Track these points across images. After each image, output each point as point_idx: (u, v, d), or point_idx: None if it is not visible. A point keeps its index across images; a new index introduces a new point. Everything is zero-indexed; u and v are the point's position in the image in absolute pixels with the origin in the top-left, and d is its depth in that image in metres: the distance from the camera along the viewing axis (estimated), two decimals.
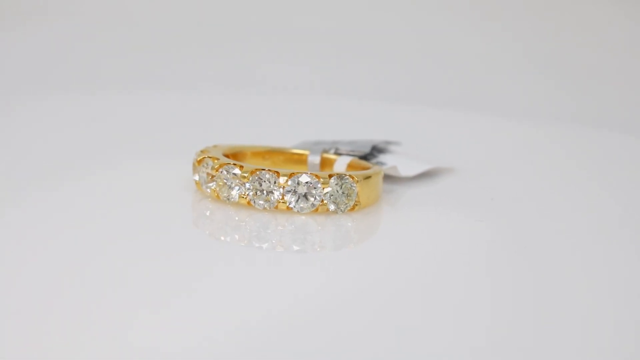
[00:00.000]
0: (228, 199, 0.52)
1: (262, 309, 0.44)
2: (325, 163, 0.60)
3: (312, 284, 0.46)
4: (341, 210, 0.52)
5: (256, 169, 0.52)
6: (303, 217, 0.52)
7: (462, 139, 0.72)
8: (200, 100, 0.78)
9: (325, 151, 0.60)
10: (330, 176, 0.52)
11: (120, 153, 0.63)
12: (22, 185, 0.57)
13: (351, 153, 0.61)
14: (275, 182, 0.51)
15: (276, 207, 0.52)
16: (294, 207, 0.52)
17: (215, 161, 0.53)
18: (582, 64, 0.87)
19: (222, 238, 0.51)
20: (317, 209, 0.52)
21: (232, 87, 0.82)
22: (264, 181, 0.52)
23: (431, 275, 0.47)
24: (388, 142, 0.65)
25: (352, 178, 0.52)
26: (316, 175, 0.52)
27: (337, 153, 0.61)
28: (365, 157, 0.61)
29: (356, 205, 0.53)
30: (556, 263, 0.49)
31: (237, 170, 0.52)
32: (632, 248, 0.52)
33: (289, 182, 0.51)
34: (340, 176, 0.52)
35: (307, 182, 0.51)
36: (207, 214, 0.54)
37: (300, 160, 0.60)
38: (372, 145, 0.62)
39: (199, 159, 0.54)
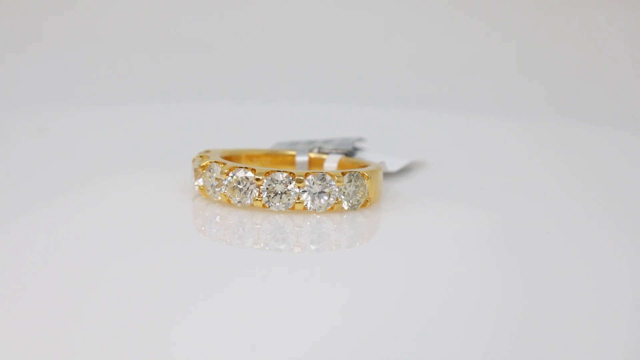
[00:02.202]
0: (241, 203, 0.52)
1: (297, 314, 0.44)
2: (313, 162, 0.60)
3: (347, 286, 0.47)
4: (354, 207, 0.53)
5: (270, 171, 0.51)
6: (318, 216, 0.52)
7: (423, 135, 0.73)
8: (164, 108, 0.77)
9: (310, 150, 0.61)
10: (343, 174, 0.52)
11: (105, 166, 0.62)
12: (22, 197, 0.55)
13: (334, 151, 0.61)
14: (290, 183, 0.51)
15: (292, 208, 0.52)
16: (310, 206, 0.52)
17: (224, 165, 0.52)
18: (555, 57, 0.90)
19: (244, 242, 0.51)
20: (332, 207, 0.52)
21: (194, 95, 0.81)
22: (278, 182, 0.51)
23: (464, 266, 0.48)
24: (359, 139, 0.65)
25: (363, 175, 0.53)
26: (330, 174, 0.52)
27: (322, 152, 0.61)
28: (347, 155, 0.61)
29: (367, 201, 0.53)
30: (578, 246, 0.51)
31: (249, 174, 0.52)
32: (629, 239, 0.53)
33: (305, 182, 0.51)
34: (352, 173, 0.52)
35: (322, 181, 0.51)
36: (217, 219, 0.53)
37: (289, 161, 0.60)
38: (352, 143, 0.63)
39: (202, 164, 0.53)
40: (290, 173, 0.51)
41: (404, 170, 0.63)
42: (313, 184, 0.52)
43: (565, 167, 0.66)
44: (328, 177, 0.52)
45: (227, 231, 0.52)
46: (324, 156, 0.60)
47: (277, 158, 0.60)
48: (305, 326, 0.43)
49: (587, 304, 0.45)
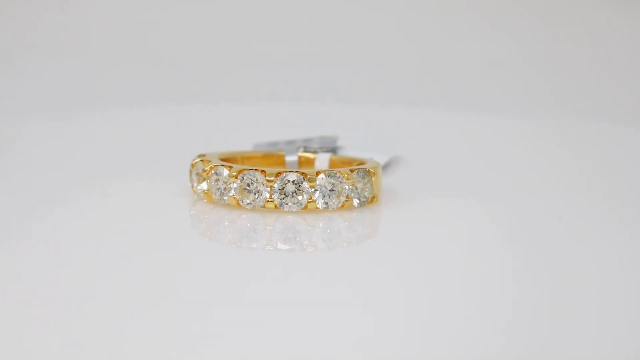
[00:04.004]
0: (251, 205, 0.51)
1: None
2: (303, 162, 0.60)
3: (366, 283, 0.47)
4: (362, 204, 0.53)
5: (281, 171, 0.51)
6: (329, 214, 0.52)
7: (390, 131, 0.74)
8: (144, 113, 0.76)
9: (296, 150, 0.61)
10: (352, 171, 0.52)
11: (99, 173, 0.60)
12: (23, 202, 0.54)
13: (321, 150, 0.61)
14: (302, 183, 0.51)
15: (305, 207, 0.51)
16: (321, 205, 0.52)
17: (231, 168, 0.52)
18: (555, 54, 0.91)
19: (256, 244, 0.51)
20: (342, 205, 0.52)
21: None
22: (290, 182, 0.51)
23: (479, 258, 0.49)
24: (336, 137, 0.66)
25: (369, 172, 0.53)
26: (340, 172, 0.52)
27: (308, 151, 0.61)
28: (333, 152, 0.62)
29: (373, 197, 0.53)
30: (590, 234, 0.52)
31: (259, 175, 0.51)
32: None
33: (317, 181, 0.51)
34: (360, 170, 0.52)
35: (333, 179, 0.51)
36: (225, 223, 0.52)
37: (281, 161, 0.60)
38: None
39: (206, 168, 0.52)
40: (302, 173, 0.51)
41: (384, 167, 0.64)
42: (325, 182, 0.51)
43: (564, 165, 0.67)
44: (338, 175, 0.52)
45: (238, 233, 0.51)
46: (314, 155, 0.60)
47: (271, 159, 0.60)
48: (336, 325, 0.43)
49: (592, 300, 0.46)
